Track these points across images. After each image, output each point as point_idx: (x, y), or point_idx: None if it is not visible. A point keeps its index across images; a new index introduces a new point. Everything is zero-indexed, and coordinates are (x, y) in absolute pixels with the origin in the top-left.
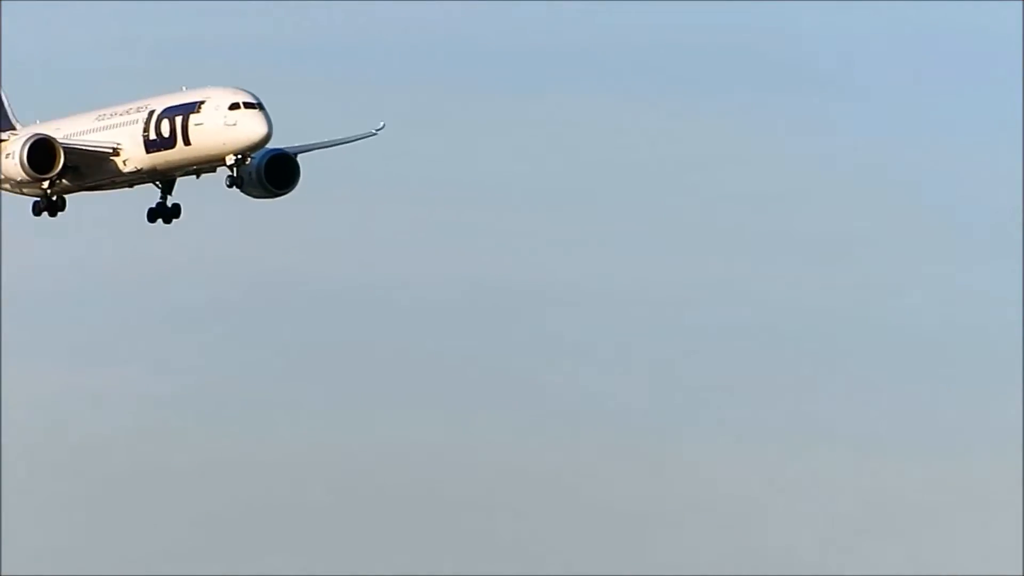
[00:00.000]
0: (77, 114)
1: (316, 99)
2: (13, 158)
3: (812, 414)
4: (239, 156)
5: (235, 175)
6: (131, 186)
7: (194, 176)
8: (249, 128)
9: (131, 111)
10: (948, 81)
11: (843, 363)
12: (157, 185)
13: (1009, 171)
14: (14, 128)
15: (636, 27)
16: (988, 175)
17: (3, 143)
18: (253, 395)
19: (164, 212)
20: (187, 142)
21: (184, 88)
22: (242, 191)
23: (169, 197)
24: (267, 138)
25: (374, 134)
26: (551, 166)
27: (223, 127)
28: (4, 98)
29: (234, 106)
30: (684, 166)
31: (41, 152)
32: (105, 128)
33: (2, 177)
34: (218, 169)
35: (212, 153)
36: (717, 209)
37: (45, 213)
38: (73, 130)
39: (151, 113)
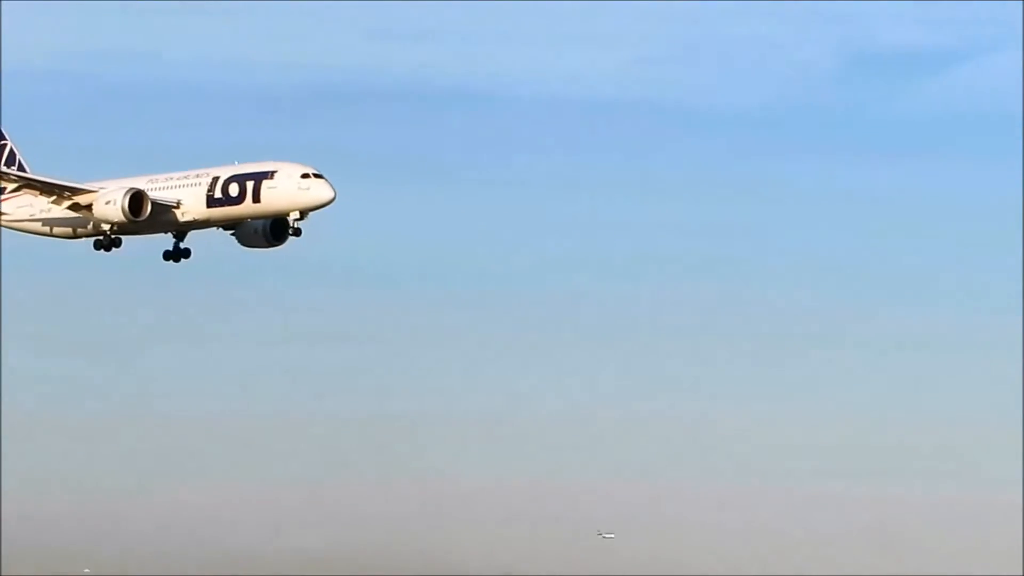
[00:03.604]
0: (124, 178)
1: None
2: (114, 204)
3: None
4: (302, 213)
5: (294, 227)
6: (175, 233)
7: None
8: (321, 192)
9: (189, 177)
10: None
11: None
12: (174, 235)
13: None
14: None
15: None
16: None
17: (92, 194)
18: None
19: (177, 253)
20: (256, 200)
21: (236, 163)
22: (242, 243)
23: (181, 243)
24: (333, 200)
25: None
26: None
27: (297, 191)
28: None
29: (305, 176)
30: None
31: (136, 201)
32: (162, 188)
33: (93, 219)
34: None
35: (278, 210)
36: None
37: (103, 249)
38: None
39: (215, 179)
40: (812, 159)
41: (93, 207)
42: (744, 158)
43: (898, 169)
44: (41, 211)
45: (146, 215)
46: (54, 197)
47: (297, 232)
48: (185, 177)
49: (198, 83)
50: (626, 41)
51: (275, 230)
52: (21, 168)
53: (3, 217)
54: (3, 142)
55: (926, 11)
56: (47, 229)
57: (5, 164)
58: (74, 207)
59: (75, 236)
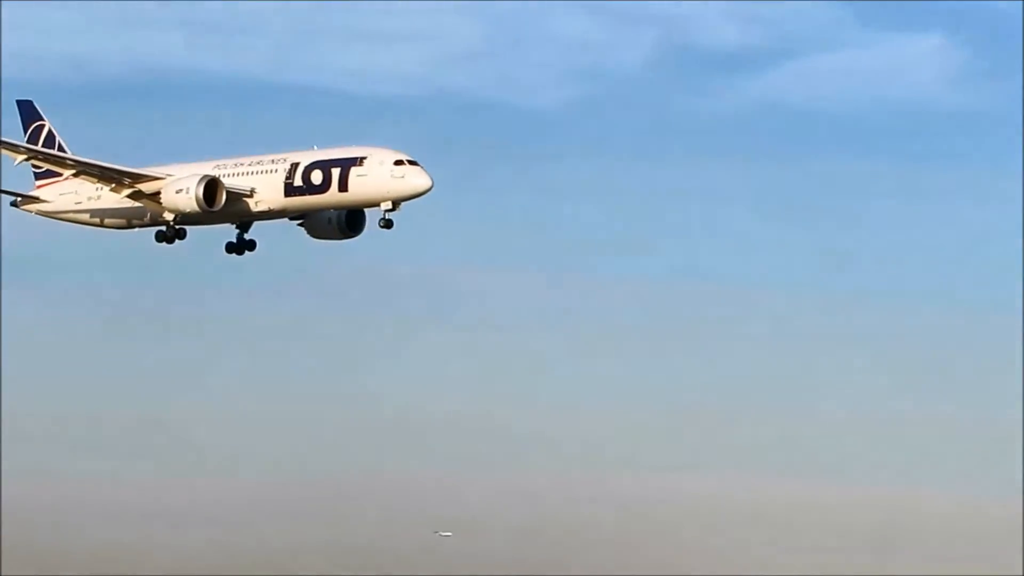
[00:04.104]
0: (186, 163)
1: None
2: (187, 193)
3: None
4: (394, 203)
5: (386, 219)
6: (237, 223)
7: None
8: (417, 181)
9: (263, 162)
10: None
11: None
12: (236, 226)
13: None
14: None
15: None
16: None
17: (159, 181)
18: None
19: (241, 245)
20: (344, 189)
21: (315, 147)
22: (312, 234)
23: (245, 235)
24: (430, 189)
25: None
26: None
27: (390, 179)
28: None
29: (399, 162)
30: None
31: (211, 189)
32: (233, 175)
33: (158, 209)
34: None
35: (368, 200)
36: None
37: (165, 242)
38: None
39: (294, 165)
40: (623, 157)
41: (161, 196)
42: (555, 156)
43: (711, 168)
44: (89, 199)
45: (221, 205)
46: (113, 184)
47: (389, 224)
48: (259, 163)
49: None
50: (436, 37)
51: (350, 221)
52: (61, 151)
53: (40, 206)
54: (41, 122)
55: (741, 10)
56: (96, 220)
57: (43, 147)
58: (135, 195)
59: (128, 227)
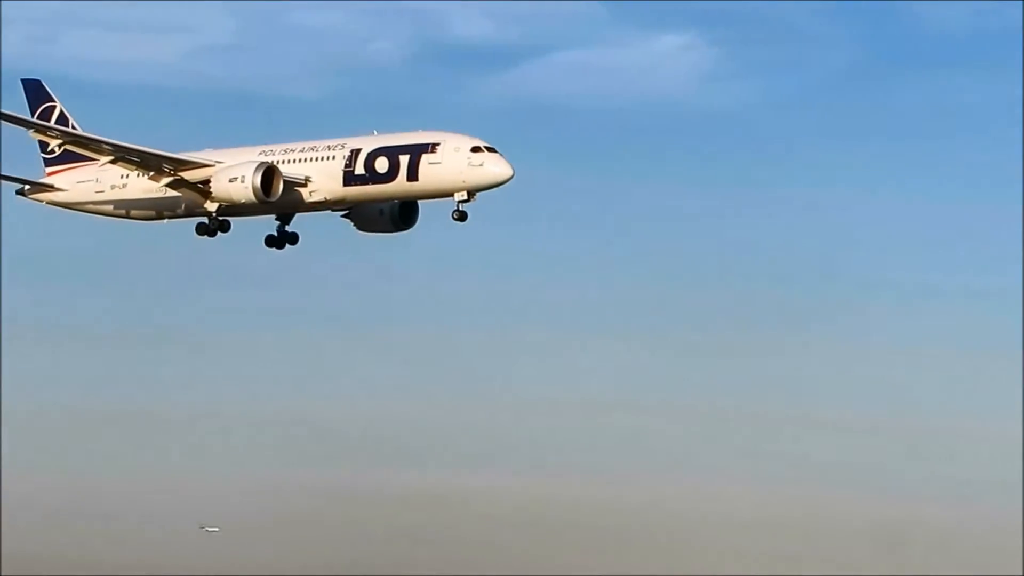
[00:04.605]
0: (228, 148)
1: None
2: (242, 182)
3: None
4: (470, 194)
5: (460, 211)
6: (278, 215)
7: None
8: (497, 169)
9: (317, 148)
10: None
11: None
12: (277, 217)
13: None
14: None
15: None
16: None
17: (208, 168)
18: None
19: (282, 239)
20: (413, 178)
21: (375, 132)
22: (360, 227)
23: (287, 227)
24: (511, 178)
25: None
26: None
27: (467, 167)
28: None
29: (476, 149)
30: None
31: (268, 177)
32: (284, 162)
33: (205, 198)
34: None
35: (441, 189)
36: None
37: (207, 235)
38: (237, 163)
39: (355, 151)
40: None
41: (212, 184)
42: None
43: None
44: (113, 188)
45: (278, 195)
46: (151, 172)
47: (463, 216)
48: (312, 149)
49: None
50: (191, 29)
51: (404, 212)
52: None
53: (54, 195)
54: (50, 104)
55: (496, 8)
56: (121, 211)
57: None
58: (175, 184)
59: (158, 218)
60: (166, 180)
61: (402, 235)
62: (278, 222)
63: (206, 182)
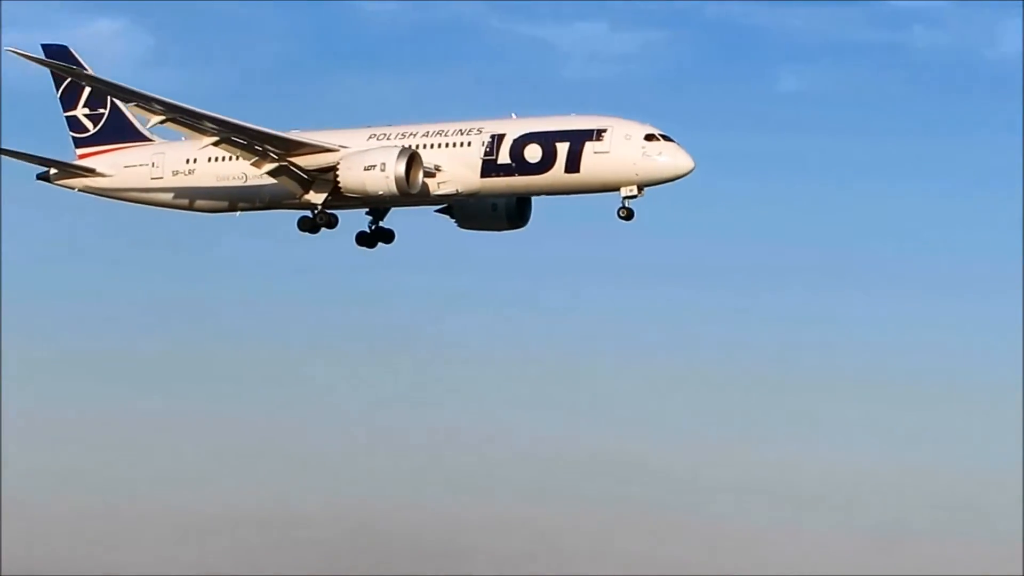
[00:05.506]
0: (331, 130)
1: None
2: (381, 170)
3: None
4: (639, 188)
5: (626, 208)
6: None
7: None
8: (678, 161)
9: (446, 132)
10: None
11: None
12: (368, 212)
13: None
14: (148, 139)
15: None
16: None
17: (331, 153)
18: None
19: (375, 236)
20: (573, 169)
21: (513, 115)
22: (463, 224)
23: (381, 222)
24: (692, 171)
25: None
26: None
27: (642, 158)
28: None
29: (650, 137)
30: None
31: (411, 165)
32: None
33: (343, 187)
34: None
35: (607, 183)
36: None
37: (308, 231)
38: (369, 148)
39: (497, 137)
40: None
41: (339, 173)
42: None
43: None
44: (176, 174)
45: (417, 187)
46: (255, 157)
47: (630, 215)
48: (439, 133)
49: None
50: None
51: (520, 208)
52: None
53: (91, 180)
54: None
55: None
56: (183, 201)
57: (90, 103)
58: (278, 171)
59: (230, 210)
60: (268, 166)
61: (513, 233)
62: (369, 217)
63: (326, 169)
